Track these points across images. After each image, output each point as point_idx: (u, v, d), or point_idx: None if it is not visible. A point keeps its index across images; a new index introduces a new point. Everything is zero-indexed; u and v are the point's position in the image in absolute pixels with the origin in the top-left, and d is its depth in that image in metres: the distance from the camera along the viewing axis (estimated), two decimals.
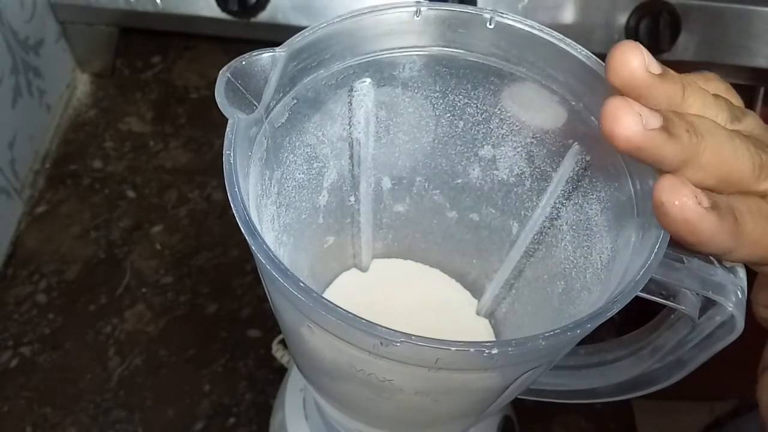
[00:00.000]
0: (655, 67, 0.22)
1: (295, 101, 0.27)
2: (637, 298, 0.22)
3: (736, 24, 0.54)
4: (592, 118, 0.26)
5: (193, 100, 0.66)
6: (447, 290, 0.36)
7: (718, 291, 0.24)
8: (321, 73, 0.27)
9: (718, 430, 0.50)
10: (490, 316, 0.35)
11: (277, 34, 0.53)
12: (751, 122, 0.25)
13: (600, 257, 0.28)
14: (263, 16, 0.58)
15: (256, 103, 0.24)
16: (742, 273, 0.24)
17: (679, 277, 0.23)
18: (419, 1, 0.27)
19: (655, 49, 0.53)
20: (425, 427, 0.32)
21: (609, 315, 0.22)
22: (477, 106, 0.30)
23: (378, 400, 0.27)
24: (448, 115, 0.30)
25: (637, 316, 0.28)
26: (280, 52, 0.25)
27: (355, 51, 0.27)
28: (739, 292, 0.24)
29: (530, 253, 0.32)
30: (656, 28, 0.53)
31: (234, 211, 0.22)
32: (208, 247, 0.59)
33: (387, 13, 0.26)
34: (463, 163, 0.32)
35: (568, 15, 0.55)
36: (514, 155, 0.31)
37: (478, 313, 0.36)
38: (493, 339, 0.35)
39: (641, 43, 0.22)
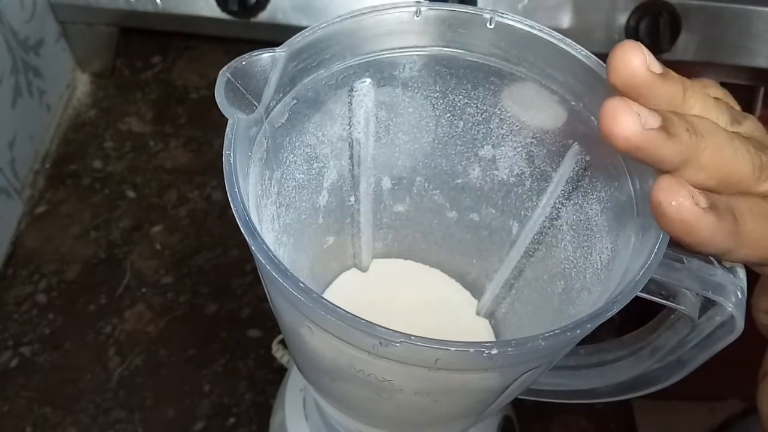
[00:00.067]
0: (657, 66, 0.22)
1: (295, 101, 0.27)
2: (637, 298, 0.22)
3: (736, 24, 0.53)
4: (592, 118, 0.26)
5: (193, 100, 0.66)
6: (447, 290, 0.36)
7: (717, 291, 0.24)
8: (321, 73, 0.27)
9: (727, 431, 0.50)
10: (490, 316, 0.35)
11: (277, 34, 0.53)
12: (750, 125, 0.25)
13: (600, 257, 0.28)
14: (263, 16, 0.58)
15: (256, 104, 0.24)
16: (741, 273, 0.24)
17: (679, 277, 0.23)
18: (419, 1, 0.27)
19: (655, 49, 0.53)
20: (425, 428, 0.32)
21: (609, 315, 0.22)
22: (477, 106, 0.30)
23: (378, 401, 0.27)
24: (448, 115, 0.30)
25: (637, 316, 0.28)
26: (280, 52, 0.25)
27: (355, 51, 0.27)
28: (738, 293, 0.24)
29: (530, 253, 0.32)
30: (656, 28, 0.53)
31: (234, 212, 0.22)
32: (208, 247, 0.59)
33: (387, 13, 0.26)
34: (463, 163, 0.32)
35: (568, 15, 0.55)
36: (514, 155, 0.31)
37: (478, 313, 0.36)
38: (493, 339, 0.35)
39: (641, 43, 0.22)
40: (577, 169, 0.28)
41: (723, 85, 0.27)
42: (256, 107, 0.25)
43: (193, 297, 0.56)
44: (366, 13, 0.26)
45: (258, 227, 0.22)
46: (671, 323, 0.28)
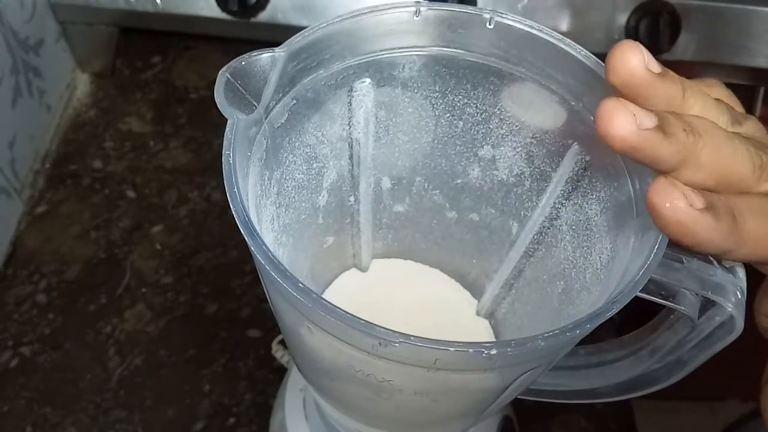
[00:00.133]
0: (655, 66, 0.22)
1: (294, 101, 0.27)
2: (636, 298, 0.22)
3: (736, 24, 0.53)
4: (592, 118, 0.26)
5: (193, 100, 0.66)
6: (447, 290, 0.36)
7: (717, 291, 0.24)
8: (321, 73, 0.27)
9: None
10: (490, 316, 0.35)
11: (277, 34, 0.53)
12: (752, 126, 0.25)
13: (600, 257, 0.28)
14: (263, 16, 0.58)
15: (255, 104, 0.24)
16: (741, 273, 0.24)
17: (679, 277, 0.23)
18: (419, 1, 0.27)
19: (655, 49, 0.53)
20: (425, 428, 0.32)
21: (608, 315, 0.22)
22: (477, 106, 0.30)
23: (377, 401, 0.27)
24: (448, 115, 0.30)
25: (637, 316, 0.28)
26: (279, 53, 0.25)
27: (355, 51, 0.27)
28: (738, 293, 0.24)
29: (530, 253, 0.32)
30: (656, 28, 0.53)
31: (233, 212, 0.22)
32: (208, 247, 0.59)
33: (387, 13, 0.26)
34: (462, 163, 0.32)
35: (568, 15, 0.55)
36: (514, 155, 0.30)
37: (477, 314, 0.36)
38: (493, 339, 0.35)
39: (641, 43, 0.22)
40: (576, 169, 0.28)
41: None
42: (256, 107, 0.25)
43: (193, 297, 0.56)
44: (366, 13, 0.26)
45: (257, 227, 0.22)
46: (671, 323, 0.28)
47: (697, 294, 0.24)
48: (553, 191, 0.30)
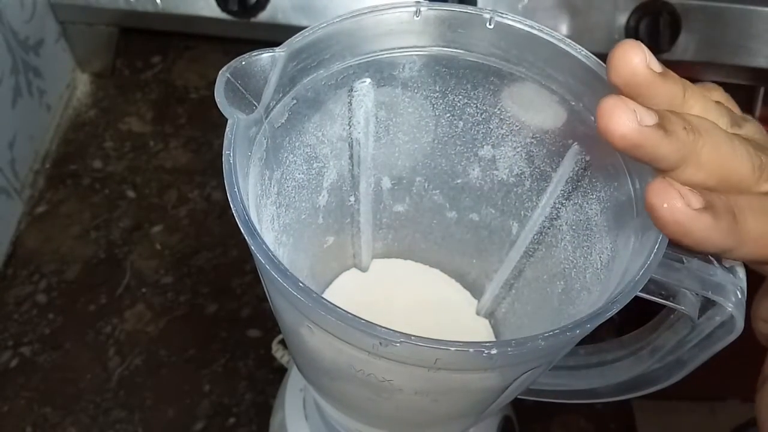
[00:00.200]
0: (657, 65, 0.22)
1: (294, 101, 0.27)
2: (636, 298, 0.22)
3: (736, 24, 0.54)
4: (592, 118, 0.26)
5: (193, 100, 0.66)
6: (447, 290, 0.36)
7: (717, 291, 0.24)
8: (321, 73, 0.27)
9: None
10: (490, 316, 0.35)
11: (277, 34, 0.53)
12: (751, 128, 0.25)
13: (600, 257, 0.28)
14: (263, 16, 0.58)
15: (255, 104, 0.24)
16: (741, 273, 0.24)
17: (679, 277, 0.23)
18: (419, 1, 0.27)
19: (655, 49, 0.53)
20: (425, 428, 0.32)
21: (608, 315, 0.22)
22: (477, 106, 0.30)
23: (377, 400, 0.27)
24: (448, 115, 0.30)
25: (637, 316, 0.28)
26: (279, 52, 0.25)
27: (355, 51, 0.27)
28: (738, 293, 0.24)
29: (530, 253, 0.32)
30: (656, 28, 0.53)
31: (233, 211, 0.22)
32: (208, 247, 0.59)
33: (387, 13, 0.26)
34: (462, 163, 0.32)
35: (568, 15, 0.55)
36: (514, 155, 0.30)
37: (478, 313, 0.36)
38: (493, 339, 0.35)
39: (641, 42, 0.22)
40: (576, 169, 0.28)
41: (723, 85, 0.27)
42: (256, 107, 0.25)
43: (193, 297, 0.56)
44: (366, 13, 0.26)
45: (258, 227, 0.22)
46: (671, 323, 0.28)
47: (697, 294, 0.24)
48: (553, 191, 0.30)
